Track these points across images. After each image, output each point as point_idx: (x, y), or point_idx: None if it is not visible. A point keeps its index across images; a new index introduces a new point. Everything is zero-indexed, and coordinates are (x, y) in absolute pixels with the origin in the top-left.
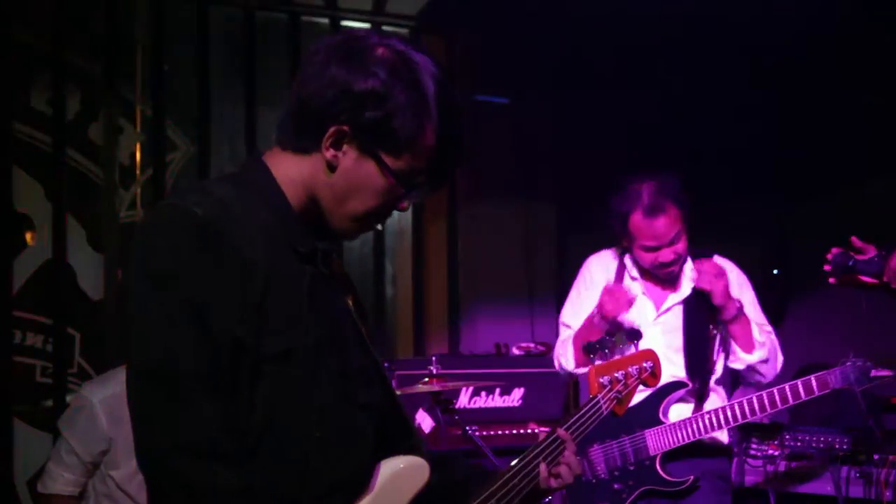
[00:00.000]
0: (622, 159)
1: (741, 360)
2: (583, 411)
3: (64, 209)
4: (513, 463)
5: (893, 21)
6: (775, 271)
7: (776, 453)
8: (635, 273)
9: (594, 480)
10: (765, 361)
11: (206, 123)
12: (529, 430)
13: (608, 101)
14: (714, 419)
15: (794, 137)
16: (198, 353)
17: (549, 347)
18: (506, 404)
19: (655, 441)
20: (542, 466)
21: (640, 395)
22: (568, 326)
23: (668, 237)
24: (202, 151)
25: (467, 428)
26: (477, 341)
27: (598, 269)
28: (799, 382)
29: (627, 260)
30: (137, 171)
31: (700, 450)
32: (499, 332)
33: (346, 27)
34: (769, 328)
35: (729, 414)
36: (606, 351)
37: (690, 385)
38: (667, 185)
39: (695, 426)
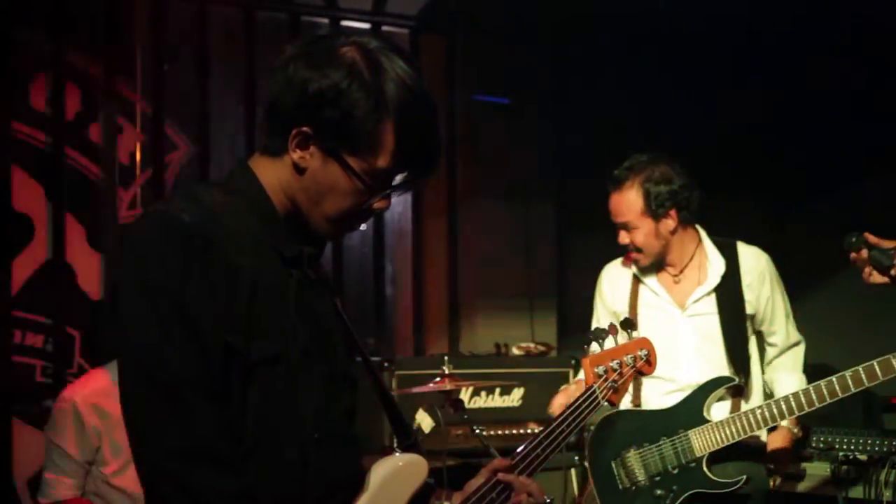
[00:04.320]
0: (622, 160)
1: None
2: (576, 403)
3: (64, 209)
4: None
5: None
6: None
7: None
8: (649, 278)
9: (633, 488)
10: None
11: (206, 123)
12: (529, 430)
13: (608, 101)
14: (768, 413)
15: (794, 137)
16: (191, 359)
17: (549, 347)
18: (506, 404)
19: (702, 441)
20: None
21: (682, 393)
22: None
23: (619, 216)
24: (202, 151)
25: (475, 427)
26: (477, 341)
27: (607, 282)
28: (860, 368)
29: (635, 267)
30: (137, 171)
31: (746, 452)
32: (499, 332)
33: (345, 27)
34: (796, 337)
35: (784, 406)
36: (601, 341)
37: (736, 380)
38: (641, 168)
39: (743, 422)
